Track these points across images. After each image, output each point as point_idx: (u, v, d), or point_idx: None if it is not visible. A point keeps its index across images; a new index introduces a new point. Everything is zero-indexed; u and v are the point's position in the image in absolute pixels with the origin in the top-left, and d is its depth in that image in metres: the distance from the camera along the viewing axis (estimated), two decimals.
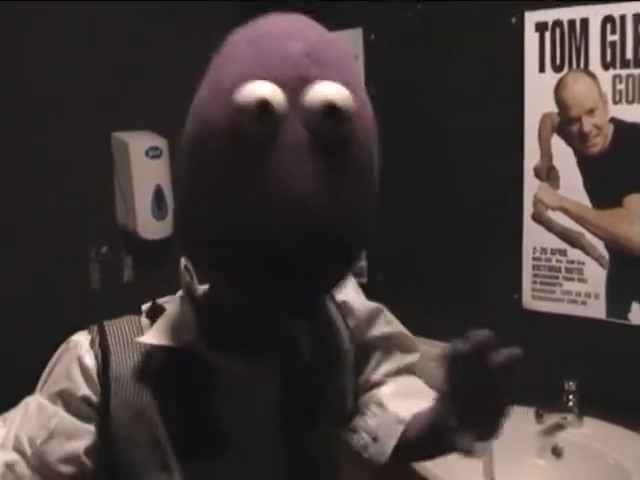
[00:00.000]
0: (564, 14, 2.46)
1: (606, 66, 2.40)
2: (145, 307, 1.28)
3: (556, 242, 2.59)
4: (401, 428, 1.39)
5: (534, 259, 2.65)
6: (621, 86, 2.38)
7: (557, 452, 2.41)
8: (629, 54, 2.35)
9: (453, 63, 2.75)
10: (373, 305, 1.46)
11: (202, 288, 1.26)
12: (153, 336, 1.20)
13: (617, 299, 2.49)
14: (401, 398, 1.43)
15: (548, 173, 2.58)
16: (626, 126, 2.40)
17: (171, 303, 1.26)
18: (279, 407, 1.24)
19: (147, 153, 3.07)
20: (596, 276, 2.52)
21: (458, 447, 1.20)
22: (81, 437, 1.18)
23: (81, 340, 1.23)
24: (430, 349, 1.63)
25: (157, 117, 3.04)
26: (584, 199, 2.52)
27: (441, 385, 1.22)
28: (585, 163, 2.50)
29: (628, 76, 2.37)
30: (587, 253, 2.53)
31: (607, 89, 2.41)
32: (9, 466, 1.17)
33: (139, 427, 1.18)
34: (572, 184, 2.53)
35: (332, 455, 1.33)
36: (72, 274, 3.01)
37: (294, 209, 0.98)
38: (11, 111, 2.81)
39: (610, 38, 2.38)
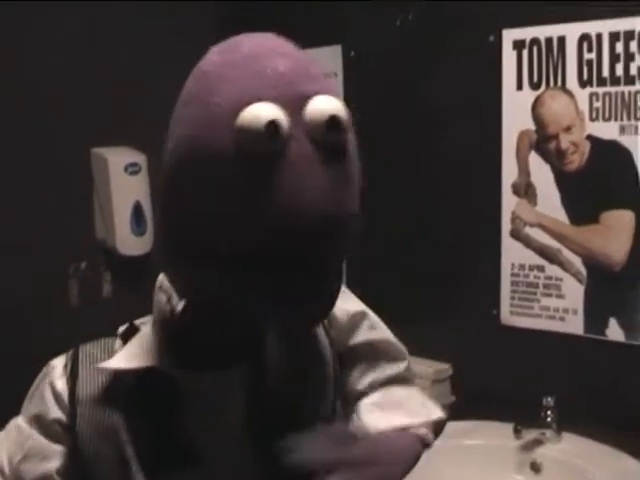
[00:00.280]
0: (541, 32, 2.48)
1: (583, 84, 2.42)
2: (121, 329, 1.30)
3: (534, 258, 2.61)
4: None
5: (512, 275, 2.66)
6: (598, 104, 2.40)
7: (536, 468, 2.41)
8: (605, 72, 2.38)
9: (432, 80, 2.76)
10: (356, 310, 1.43)
11: (178, 306, 1.26)
12: (117, 361, 1.22)
13: (595, 315, 2.51)
14: (378, 411, 1.41)
15: (526, 190, 2.60)
16: (603, 143, 2.42)
17: (147, 324, 1.28)
18: (248, 419, 1.24)
19: (126, 169, 3.06)
20: (574, 292, 2.53)
21: None
22: (53, 458, 1.23)
23: (57, 365, 1.27)
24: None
25: (136, 133, 3.04)
26: (562, 216, 2.53)
27: None
28: (562, 180, 2.52)
29: (605, 94, 2.39)
30: (565, 269, 2.54)
31: (584, 107, 2.43)
32: None
33: (105, 447, 1.21)
34: (550, 201, 2.55)
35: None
36: (51, 289, 2.99)
37: (309, 221, 1.01)
38: None
39: (587, 56, 2.40)
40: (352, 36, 2.98)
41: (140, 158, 3.10)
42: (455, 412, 1.54)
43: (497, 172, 2.64)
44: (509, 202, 2.64)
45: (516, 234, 2.64)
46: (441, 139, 2.77)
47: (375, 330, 1.45)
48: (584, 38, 2.40)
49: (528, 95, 2.54)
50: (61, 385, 1.24)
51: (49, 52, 2.89)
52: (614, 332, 2.46)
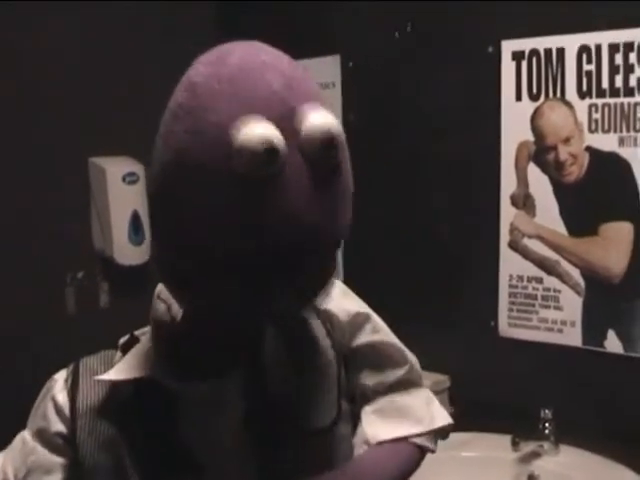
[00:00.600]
0: (541, 43, 2.48)
1: (582, 95, 2.42)
2: (122, 340, 1.32)
3: (532, 270, 2.60)
4: (361, 450, 1.39)
5: (510, 287, 2.66)
6: (597, 115, 2.40)
7: None
8: (605, 83, 2.37)
9: (431, 91, 2.76)
10: (358, 311, 1.44)
11: (178, 314, 1.27)
12: (114, 372, 1.24)
13: (593, 327, 2.50)
14: (379, 420, 1.42)
15: (524, 201, 2.59)
16: (602, 155, 2.41)
17: (147, 334, 1.30)
18: (247, 425, 1.24)
19: (124, 179, 3.06)
20: (572, 304, 2.53)
21: None
22: (56, 471, 1.24)
23: (58, 378, 1.29)
24: None
25: (134, 143, 3.02)
26: (560, 227, 2.53)
27: None
28: (561, 191, 2.52)
29: (604, 105, 2.39)
30: (563, 281, 2.54)
31: (583, 118, 2.43)
32: None
33: (105, 458, 1.22)
34: (548, 212, 2.55)
35: (306, 465, 1.31)
36: (48, 299, 2.99)
37: (305, 236, 1.03)
38: None
39: (586, 67, 2.40)
40: (351, 46, 2.98)
41: (138, 168, 3.10)
42: (453, 423, 1.53)
43: (496, 183, 2.64)
44: (507, 213, 2.64)
45: (514, 245, 2.63)
46: (440, 150, 2.77)
47: (378, 333, 1.45)
48: (583, 49, 2.39)
49: (527, 106, 2.54)
50: (62, 398, 1.25)
51: (48, 61, 2.90)
52: (612, 344, 2.46)
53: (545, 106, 2.51)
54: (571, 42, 2.42)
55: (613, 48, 2.34)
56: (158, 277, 1.19)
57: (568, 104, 2.45)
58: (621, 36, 2.33)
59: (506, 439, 2.43)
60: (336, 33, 3.00)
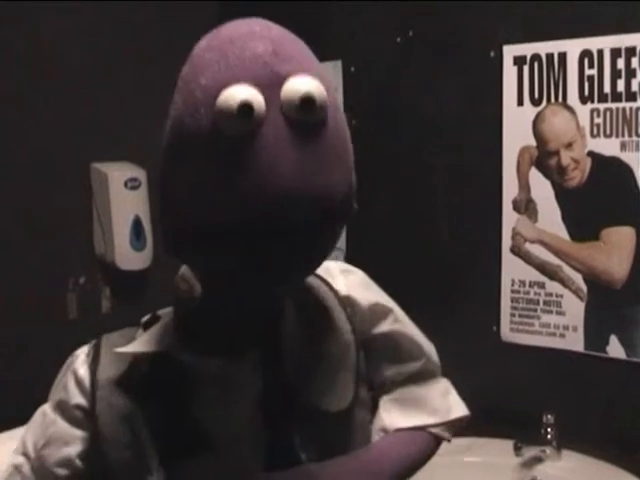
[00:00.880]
0: (542, 48, 2.48)
1: (584, 100, 2.42)
2: (144, 318, 1.36)
3: (534, 275, 2.60)
4: (377, 437, 1.42)
5: (512, 292, 2.66)
6: (599, 120, 2.40)
7: None
8: (607, 88, 2.37)
9: (432, 96, 2.76)
10: (381, 302, 1.47)
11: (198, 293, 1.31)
12: (132, 346, 1.29)
13: (595, 332, 2.50)
14: (396, 409, 1.45)
15: (526, 206, 2.59)
16: (604, 159, 2.41)
17: (169, 314, 1.34)
18: (260, 403, 1.26)
19: (126, 184, 3.06)
20: (574, 309, 2.53)
21: None
22: (74, 443, 1.28)
23: (80, 353, 1.33)
24: None
25: (136, 148, 3.03)
26: (562, 232, 2.53)
27: None
28: (563, 196, 2.52)
29: (606, 110, 2.39)
30: (565, 286, 2.54)
31: (585, 123, 2.43)
32: (16, 467, 1.33)
33: (122, 430, 1.25)
34: (550, 217, 2.55)
35: (318, 448, 1.31)
36: (49, 304, 2.98)
37: (280, 196, 1.05)
38: None
39: (588, 72, 2.40)
40: (353, 52, 2.98)
41: (140, 173, 3.09)
42: (469, 414, 1.54)
43: (498, 188, 2.64)
44: (509, 218, 2.63)
45: (516, 250, 2.63)
46: (441, 155, 2.77)
47: (398, 324, 1.49)
48: (585, 54, 2.39)
49: (529, 111, 2.54)
50: (83, 372, 1.29)
51: (50, 66, 2.89)
52: (615, 349, 2.45)
53: (547, 111, 2.50)
54: (573, 47, 2.42)
55: (615, 53, 2.34)
56: (163, 246, 1.22)
57: (570, 109, 2.45)
58: (623, 41, 2.33)
59: (508, 444, 2.43)
60: (338, 38, 2.99)
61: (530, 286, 2.62)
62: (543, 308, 2.59)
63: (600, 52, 2.37)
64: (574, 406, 2.47)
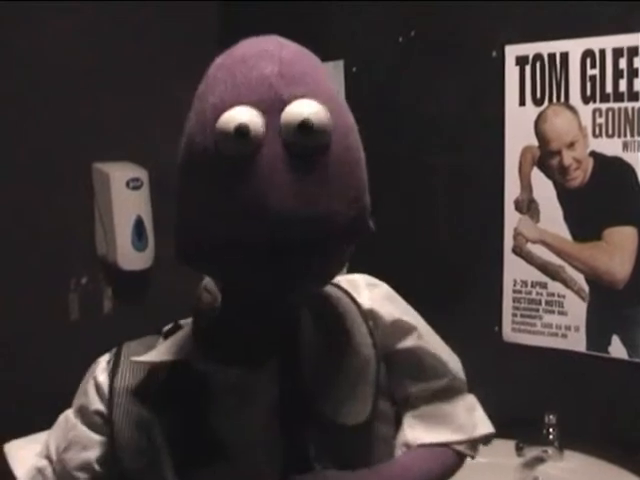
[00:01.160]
0: (544, 48, 2.48)
1: (586, 100, 2.42)
2: (166, 328, 1.39)
3: (536, 275, 2.60)
4: (400, 452, 1.42)
5: (514, 292, 2.65)
6: (601, 120, 2.40)
7: None
8: (609, 88, 2.37)
9: (434, 96, 2.76)
10: (404, 317, 1.45)
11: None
12: (150, 355, 1.31)
13: (597, 332, 2.50)
14: (421, 426, 1.44)
15: (528, 206, 2.59)
16: (606, 159, 2.41)
17: (190, 323, 1.36)
18: (276, 410, 1.26)
19: (128, 184, 3.05)
20: (576, 309, 2.52)
21: None
22: (93, 447, 1.32)
23: (101, 361, 1.37)
24: None
25: (138, 148, 3.04)
26: (564, 232, 2.52)
27: None
28: (565, 196, 2.51)
29: (608, 110, 2.38)
30: (567, 286, 2.53)
31: (587, 123, 2.42)
32: (39, 470, 1.38)
33: (138, 437, 1.27)
34: (552, 217, 2.54)
35: (335, 460, 1.30)
36: (51, 304, 2.98)
37: (274, 220, 1.06)
38: None
39: (590, 72, 2.40)
40: (354, 52, 2.97)
41: (142, 173, 3.09)
42: (495, 432, 1.53)
43: (499, 188, 2.64)
44: (511, 218, 2.63)
45: (518, 251, 2.63)
46: (443, 155, 2.77)
47: (422, 340, 1.47)
48: (587, 54, 2.39)
49: (531, 111, 2.53)
50: (102, 378, 1.32)
51: (52, 66, 2.89)
52: (617, 349, 2.45)
53: (549, 111, 2.50)
54: (575, 47, 2.42)
55: (617, 52, 2.34)
56: (174, 255, 1.23)
57: (572, 109, 2.45)
58: (625, 40, 2.32)
59: (510, 444, 2.43)
60: (339, 38, 2.99)
61: (532, 286, 2.62)
62: (545, 308, 2.59)
63: (602, 52, 2.37)
64: (576, 406, 2.47)
